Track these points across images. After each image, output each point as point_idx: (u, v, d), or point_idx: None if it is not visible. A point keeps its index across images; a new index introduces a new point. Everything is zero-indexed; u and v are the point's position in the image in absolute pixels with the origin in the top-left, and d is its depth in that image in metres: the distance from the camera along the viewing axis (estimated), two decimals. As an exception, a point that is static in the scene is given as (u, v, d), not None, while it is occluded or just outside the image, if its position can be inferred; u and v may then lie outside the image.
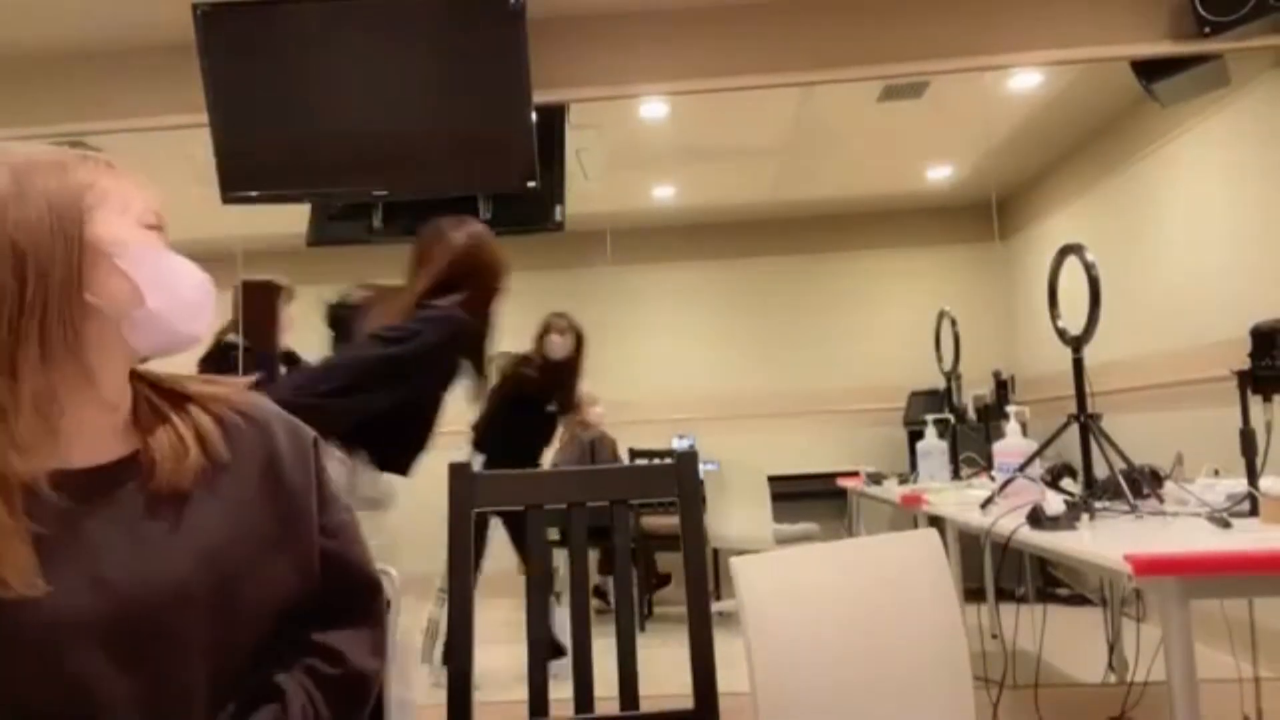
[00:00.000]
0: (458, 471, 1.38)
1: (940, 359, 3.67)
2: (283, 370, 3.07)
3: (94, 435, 0.86)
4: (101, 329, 0.84)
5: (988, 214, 4.29)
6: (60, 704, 0.79)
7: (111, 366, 0.87)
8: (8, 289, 0.78)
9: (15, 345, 0.78)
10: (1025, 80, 3.48)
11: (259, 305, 3.17)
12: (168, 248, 0.90)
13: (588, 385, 3.76)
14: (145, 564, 0.83)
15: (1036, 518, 1.79)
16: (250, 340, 3.11)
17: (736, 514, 3.97)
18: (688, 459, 1.40)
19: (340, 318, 2.12)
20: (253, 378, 0.99)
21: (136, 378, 0.91)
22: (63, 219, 0.82)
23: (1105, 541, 1.61)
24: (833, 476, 4.03)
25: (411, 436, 1.98)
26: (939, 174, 4.55)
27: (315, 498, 0.96)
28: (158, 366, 0.95)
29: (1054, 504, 1.85)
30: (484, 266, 2.07)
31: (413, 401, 1.92)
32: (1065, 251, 2.23)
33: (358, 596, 1.00)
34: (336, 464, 1.83)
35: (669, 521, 3.91)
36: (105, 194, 0.86)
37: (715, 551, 3.73)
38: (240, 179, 2.89)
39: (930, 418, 3.27)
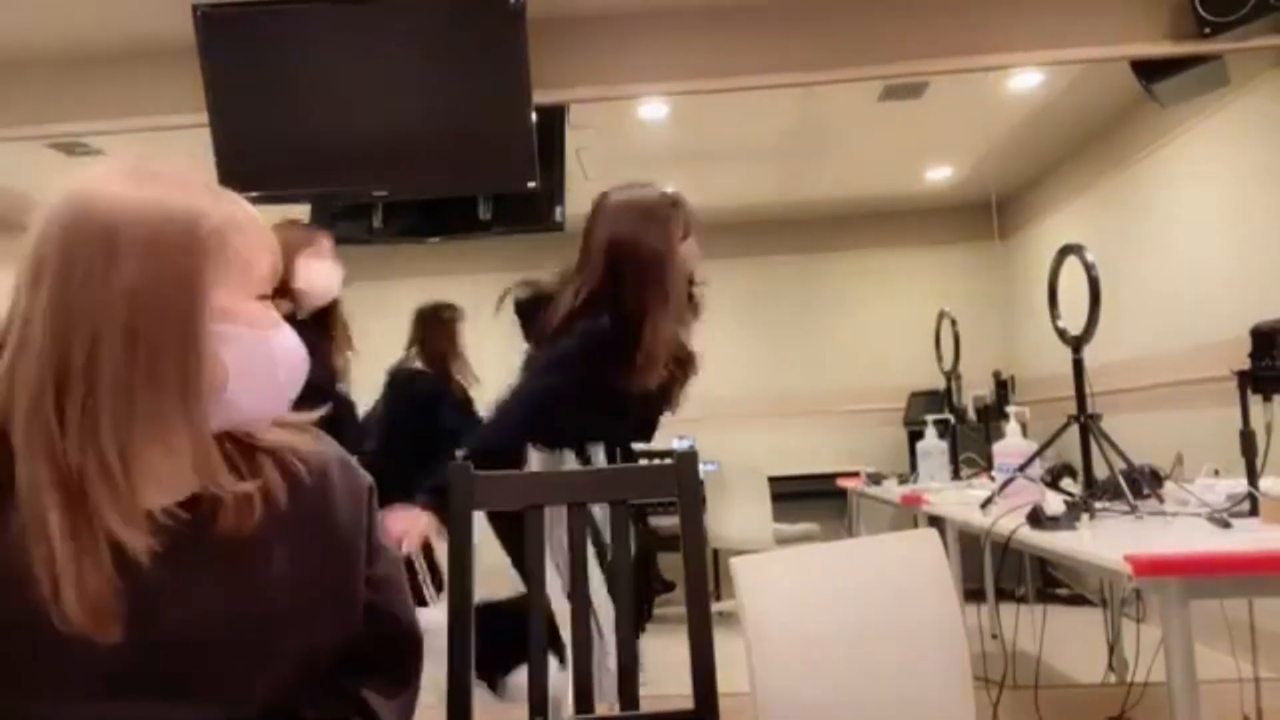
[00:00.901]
0: (457, 471, 1.38)
1: (940, 359, 3.67)
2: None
3: (161, 477, 0.83)
4: None
5: (988, 214, 4.29)
6: None
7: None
8: (119, 361, 0.76)
9: (125, 414, 0.76)
10: (1025, 80, 3.48)
11: (436, 329, 3.25)
12: (275, 313, 0.86)
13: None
14: (192, 607, 0.83)
15: (1036, 518, 1.79)
16: (429, 364, 3.19)
17: (736, 514, 3.97)
18: (688, 459, 1.40)
19: (525, 312, 2.16)
20: (316, 414, 0.95)
21: None
22: (190, 298, 0.79)
23: (1105, 542, 1.61)
24: (833, 476, 4.03)
25: None
26: (939, 174, 4.54)
27: (365, 548, 0.95)
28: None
29: (1054, 504, 1.86)
30: (642, 256, 1.93)
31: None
32: (1065, 251, 2.23)
33: (396, 651, 0.99)
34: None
35: (669, 521, 3.91)
36: (231, 257, 0.82)
37: (715, 551, 3.73)
38: (240, 179, 2.87)
39: (930, 418, 3.27)
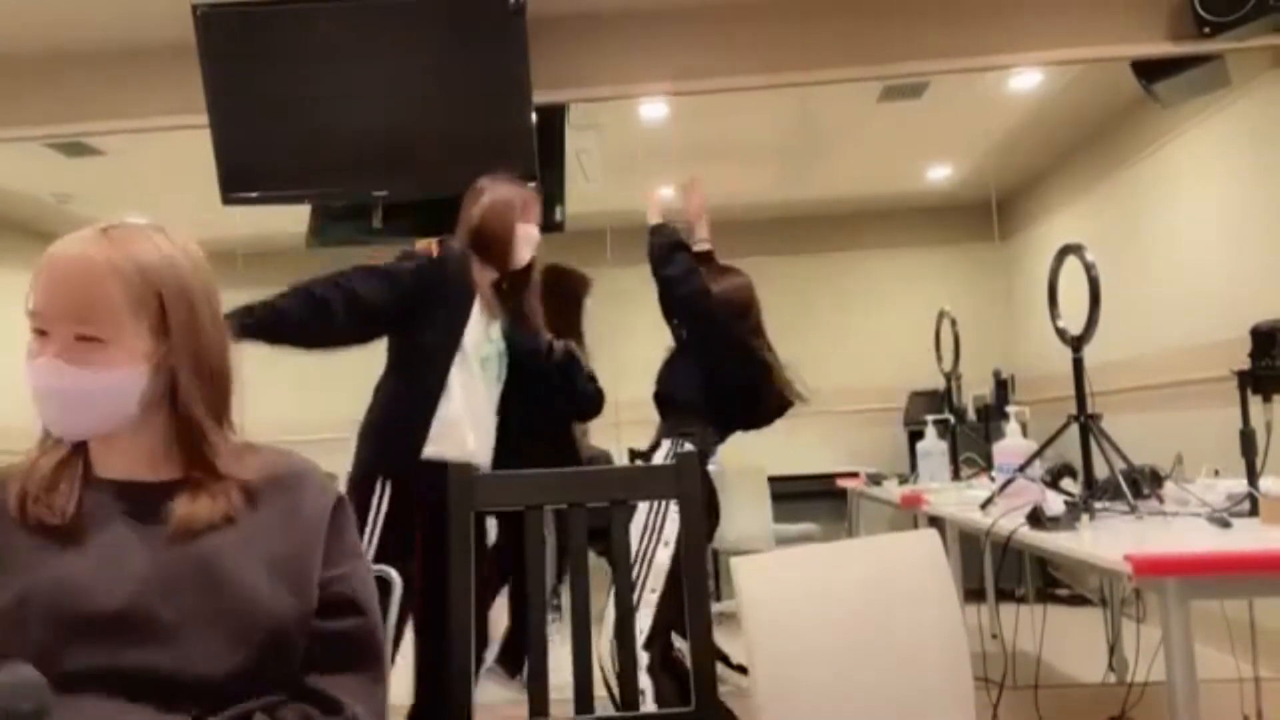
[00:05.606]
0: (458, 471, 1.38)
1: (940, 359, 3.67)
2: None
3: (127, 461, 1.02)
4: None
5: (988, 214, 4.29)
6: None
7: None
8: None
9: None
10: (1025, 80, 3.48)
11: (563, 293, 3.22)
12: (44, 344, 0.98)
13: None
14: (147, 562, 0.95)
15: (1036, 518, 1.79)
16: (555, 327, 3.18)
17: (736, 514, 3.96)
18: (687, 459, 1.40)
19: None
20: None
21: (202, 435, 1.04)
22: None
23: (1105, 541, 1.61)
24: (833, 477, 4.03)
25: None
26: (939, 174, 4.54)
27: (324, 539, 1.04)
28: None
29: (1054, 504, 1.86)
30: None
31: None
32: (1065, 251, 2.23)
33: (358, 637, 1.03)
34: None
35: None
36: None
37: (715, 552, 3.73)
38: (240, 179, 2.89)
39: (930, 418, 3.27)
